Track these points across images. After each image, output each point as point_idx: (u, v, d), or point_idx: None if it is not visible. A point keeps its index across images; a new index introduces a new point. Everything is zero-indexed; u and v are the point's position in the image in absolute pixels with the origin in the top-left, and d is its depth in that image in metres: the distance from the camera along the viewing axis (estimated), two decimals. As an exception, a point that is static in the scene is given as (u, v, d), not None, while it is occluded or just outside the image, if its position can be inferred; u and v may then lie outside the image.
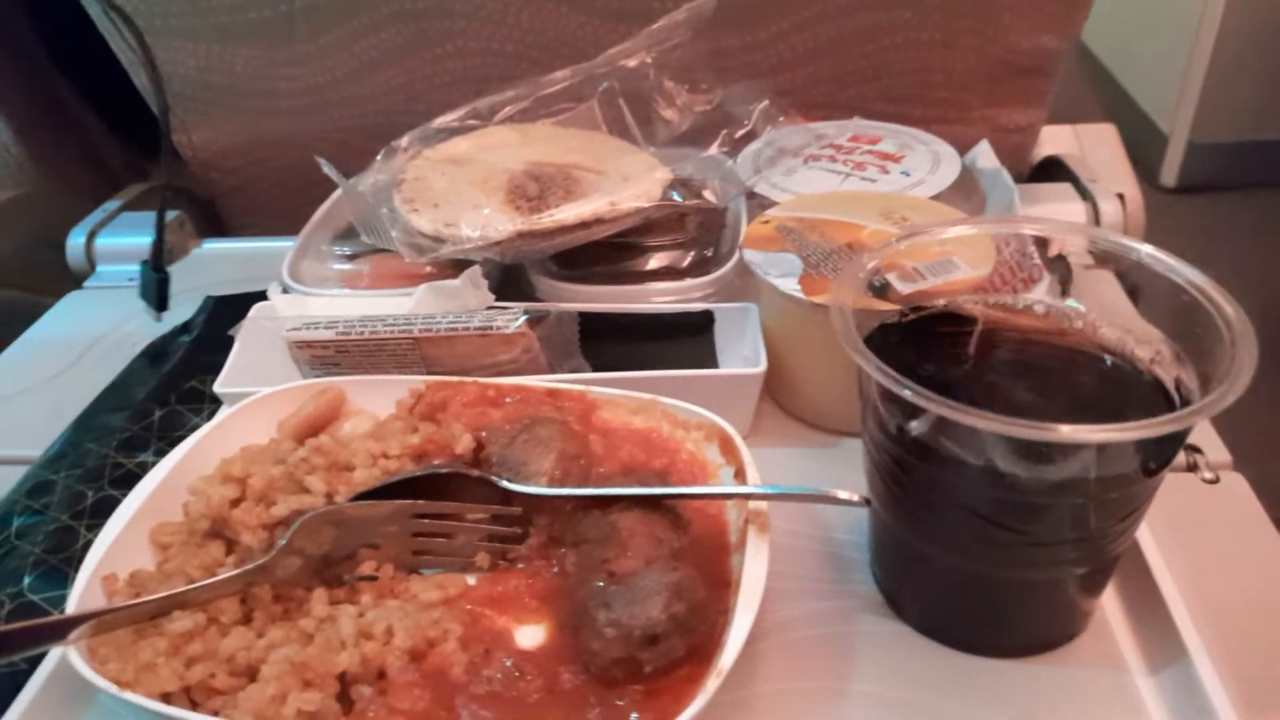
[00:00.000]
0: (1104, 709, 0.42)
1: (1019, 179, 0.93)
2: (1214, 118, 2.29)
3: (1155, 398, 0.42)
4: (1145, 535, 0.48)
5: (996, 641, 0.45)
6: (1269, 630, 0.45)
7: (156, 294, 0.73)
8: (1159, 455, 0.39)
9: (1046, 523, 0.40)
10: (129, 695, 0.40)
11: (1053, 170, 0.89)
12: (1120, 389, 0.44)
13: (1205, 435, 0.56)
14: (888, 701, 0.43)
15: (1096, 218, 0.79)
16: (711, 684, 0.38)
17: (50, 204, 0.98)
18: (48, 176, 0.99)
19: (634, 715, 0.41)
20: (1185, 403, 0.41)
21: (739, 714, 0.42)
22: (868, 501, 0.45)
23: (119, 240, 0.87)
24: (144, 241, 0.85)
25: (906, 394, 0.37)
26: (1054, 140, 0.93)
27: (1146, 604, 0.45)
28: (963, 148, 0.75)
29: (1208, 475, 0.54)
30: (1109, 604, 0.47)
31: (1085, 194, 0.81)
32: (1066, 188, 0.83)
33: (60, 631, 0.41)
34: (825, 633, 0.46)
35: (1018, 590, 0.43)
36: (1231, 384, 0.36)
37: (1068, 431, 0.35)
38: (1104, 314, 0.46)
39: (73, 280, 0.86)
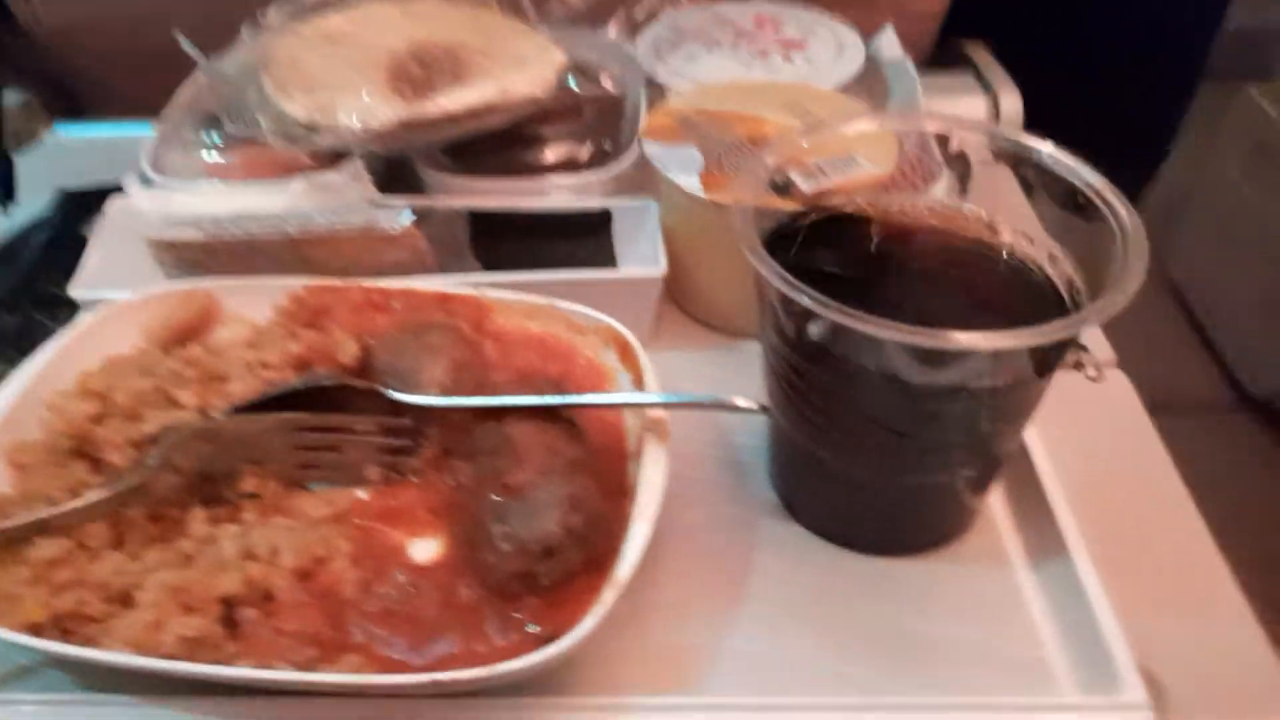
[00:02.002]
0: (989, 604, 0.44)
1: (923, 65, 0.92)
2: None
3: (1048, 300, 0.42)
4: (1031, 433, 0.49)
5: (888, 542, 0.46)
6: (1145, 527, 0.47)
7: (1, 184, 0.66)
8: (1051, 358, 0.40)
9: (940, 427, 0.40)
10: (-9, 629, 0.37)
11: (955, 58, 0.88)
12: (1015, 290, 0.44)
13: (1090, 333, 0.58)
14: (786, 602, 0.44)
15: (997, 110, 0.79)
16: (609, 596, 0.38)
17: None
18: None
19: (532, 627, 0.40)
20: (1076, 305, 0.41)
21: (637, 623, 0.42)
22: (765, 409, 0.44)
23: (-43, 123, 0.78)
24: (-17, 125, 0.77)
25: (804, 299, 0.36)
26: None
27: (1030, 501, 0.46)
28: (868, 31, 0.72)
29: (1091, 373, 0.56)
30: (995, 501, 0.48)
31: (987, 86, 0.80)
32: (969, 79, 0.82)
33: (-93, 564, 0.38)
34: (724, 538, 0.47)
35: (910, 494, 0.44)
36: (1123, 288, 0.36)
37: (962, 339, 0.35)
38: (1001, 214, 0.46)
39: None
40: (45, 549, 0.40)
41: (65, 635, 0.39)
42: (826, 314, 0.36)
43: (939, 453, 0.42)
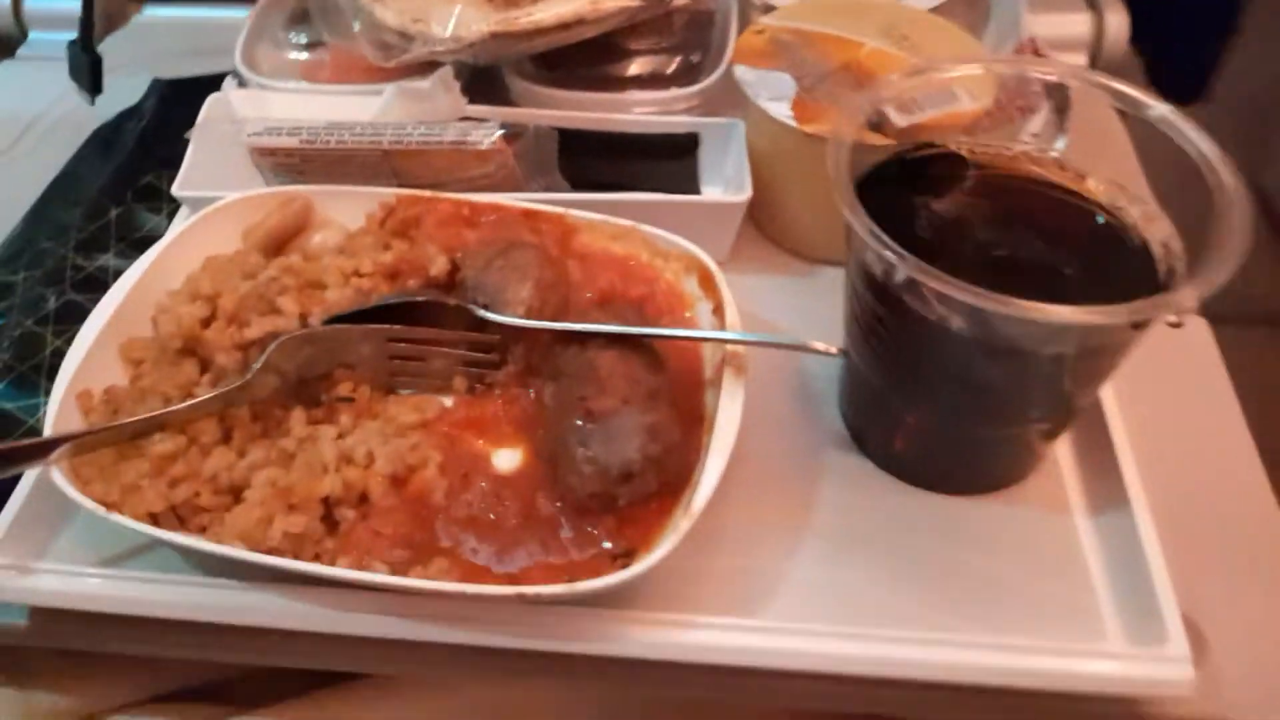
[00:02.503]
0: (1046, 548, 0.45)
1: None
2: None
3: (1141, 261, 0.41)
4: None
5: (954, 482, 0.47)
6: (1209, 484, 0.48)
7: (89, 76, 0.67)
8: (1139, 327, 0.40)
9: (1020, 385, 0.41)
10: (116, 517, 0.41)
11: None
12: (1108, 250, 0.43)
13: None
14: (848, 533, 0.46)
15: (1101, 29, 0.75)
16: (683, 524, 0.40)
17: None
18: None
19: (606, 544, 0.43)
20: (1170, 270, 0.40)
21: (707, 546, 0.44)
22: (844, 352, 0.45)
23: (52, 3, 0.79)
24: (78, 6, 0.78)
25: (889, 255, 0.37)
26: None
27: (1097, 451, 0.47)
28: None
29: (1172, 319, 0.55)
30: (1062, 447, 0.49)
31: (1092, 2, 0.76)
32: (1074, -7, 0.78)
33: (42, 452, 0.42)
34: (792, 466, 0.48)
35: (981, 442, 0.45)
36: (1224, 264, 0.36)
37: (1045, 312, 0.35)
38: (1098, 157, 0.45)
39: (4, 47, 0.80)
40: (162, 444, 0.44)
41: (181, 524, 0.43)
42: (909, 270, 0.36)
43: (1016, 408, 0.43)
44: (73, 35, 0.72)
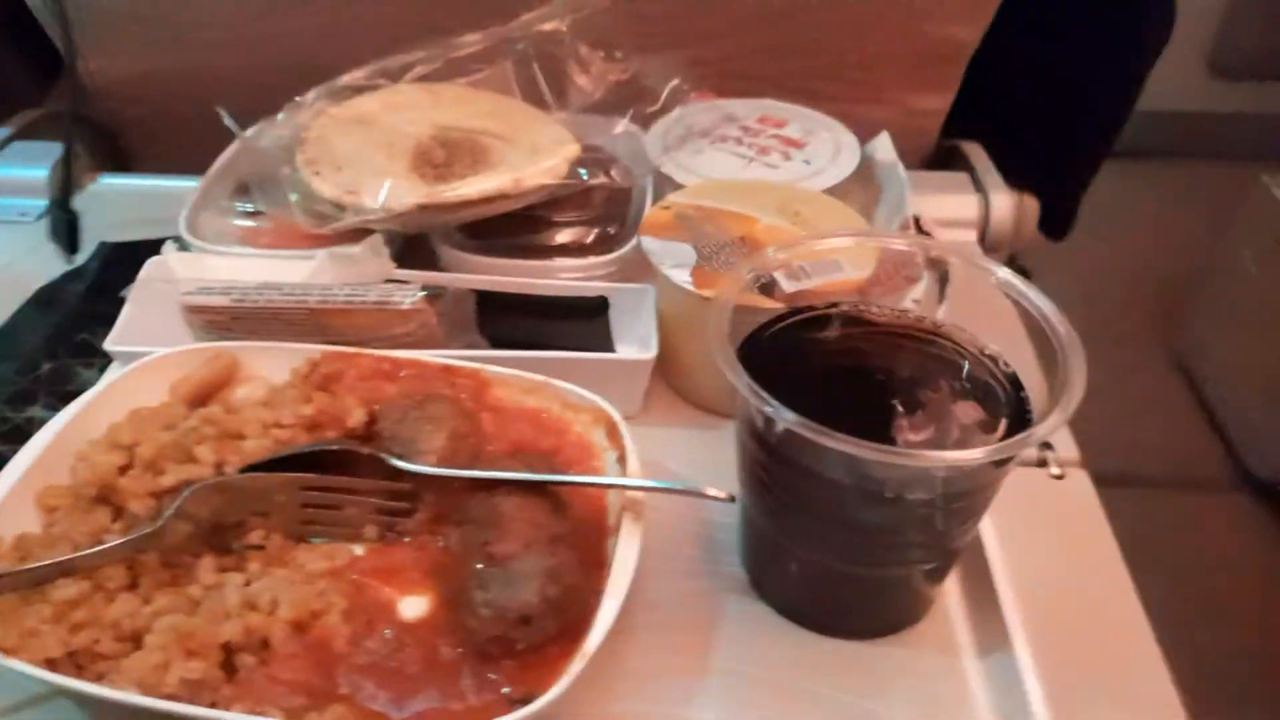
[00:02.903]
0: (937, 688, 0.47)
1: (924, 162, 0.97)
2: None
3: (1007, 405, 0.45)
4: (988, 528, 0.52)
5: (847, 625, 0.49)
6: (1089, 627, 0.50)
7: (66, 235, 0.70)
8: (1003, 466, 0.43)
9: (897, 526, 0.43)
10: (12, 662, 0.41)
11: (954, 157, 0.92)
12: (977, 397, 0.47)
13: (1057, 434, 0.61)
14: (746, 678, 0.47)
15: (987, 210, 0.83)
16: (575, 666, 0.41)
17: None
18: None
19: (505, 689, 0.43)
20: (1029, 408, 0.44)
21: (605, 690, 0.45)
22: (734, 498, 0.47)
23: (10, 171, 0.84)
24: (38, 174, 0.83)
25: (765, 407, 0.40)
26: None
27: (981, 594, 0.49)
28: (873, 125, 0.77)
29: (1055, 471, 0.59)
30: (951, 590, 0.51)
31: (979, 186, 0.84)
32: (963, 178, 0.86)
33: (-58, 597, 0.42)
34: (692, 612, 0.50)
35: (868, 583, 0.47)
36: (1064, 408, 0.40)
37: (919, 457, 0.38)
38: (976, 320, 0.49)
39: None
40: (66, 589, 0.44)
41: (79, 670, 0.43)
42: (782, 420, 0.39)
43: (897, 549, 0.45)
44: (24, 201, 0.76)
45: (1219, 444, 1.35)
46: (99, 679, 0.42)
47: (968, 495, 0.43)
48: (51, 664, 0.42)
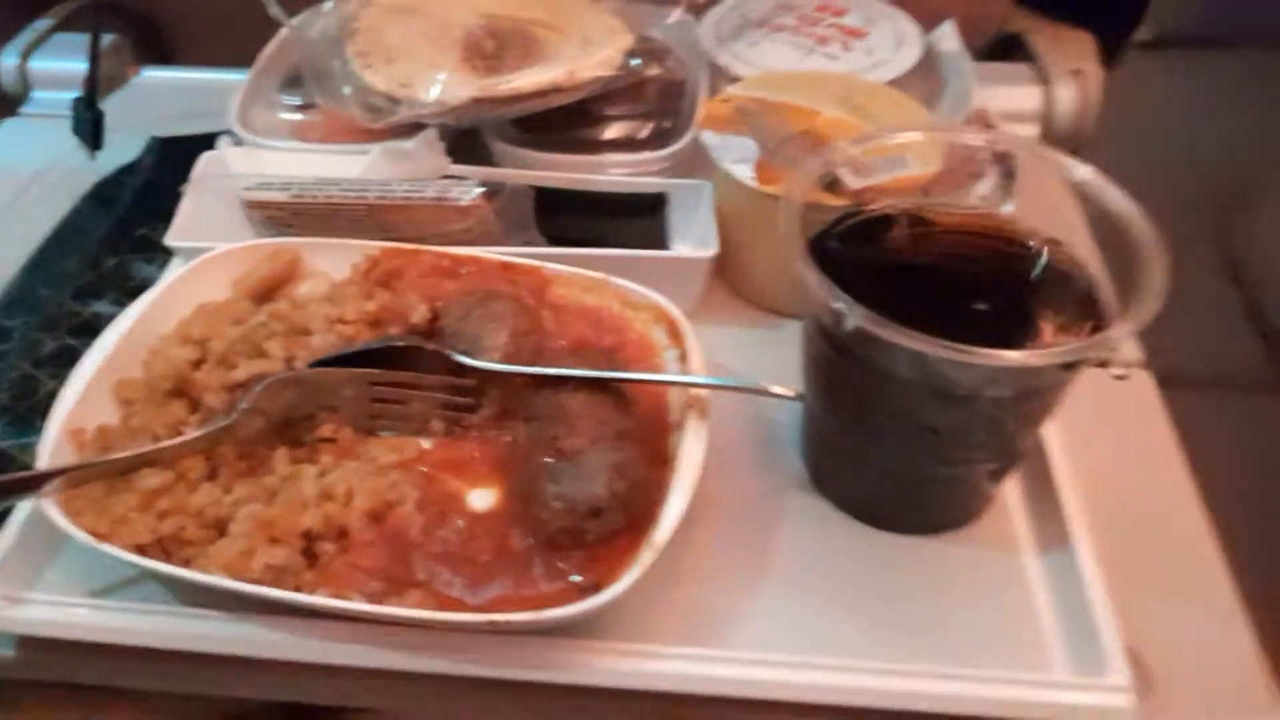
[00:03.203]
0: (995, 585, 0.47)
1: (981, 52, 0.93)
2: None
3: (1084, 309, 0.44)
4: (1050, 427, 0.52)
5: (908, 521, 0.49)
6: (1148, 525, 0.50)
7: (91, 132, 0.70)
8: (1075, 368, 0.43)
9: (965, 427, 0.43)
10: (106, 547, 0.43)
11: (1014, 47, 0.89)
12: (1048, 294, 0.46)
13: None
14: (807, 570, 0.48)
15: (1051, 103, 0.80)
16: (646, 556, 0.42)
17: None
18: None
19: (574, 577, 0.45)
20: (1103, 313, 0.44)
21: (671, 580, 0.46)
22: (801, 396, 0.48)
23: (55, 64, 0.83)
24: (79, 67, 0.81)
25: (837, 303, 0.39)
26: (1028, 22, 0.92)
27: (1043, 493, 0.50)
28: (932, 12, 0.74)
29: (1117, 371, 0.58)
30: (1010, 489, 0.51)
31: (1043, 77, 0.81)
32: (1025, 68, 0.83)
33: (35, 484, 0.44)
34: (755, 505, 0.51)
35: (931, 481, 0.48)
36: (1143, 309, 0.39)
37: (984, 355, 0.38)
38: (1043, 214, 0.48)
39: (6, 104, 0.83)
40: (150, 479, 0.46)
41: (167, 556, 0.44)
42: (855, 318, 0.39)
43: (962, 449, 0.45)
44: (74, 94, 0.75)
45: (1265, 346, 1.33)
46: (186, 564, 0.44)
47: (1038, 396, 0.43)
48: (141, 549, 0.44)
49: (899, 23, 0.71)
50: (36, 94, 0.83)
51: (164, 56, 0.96)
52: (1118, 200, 0.43)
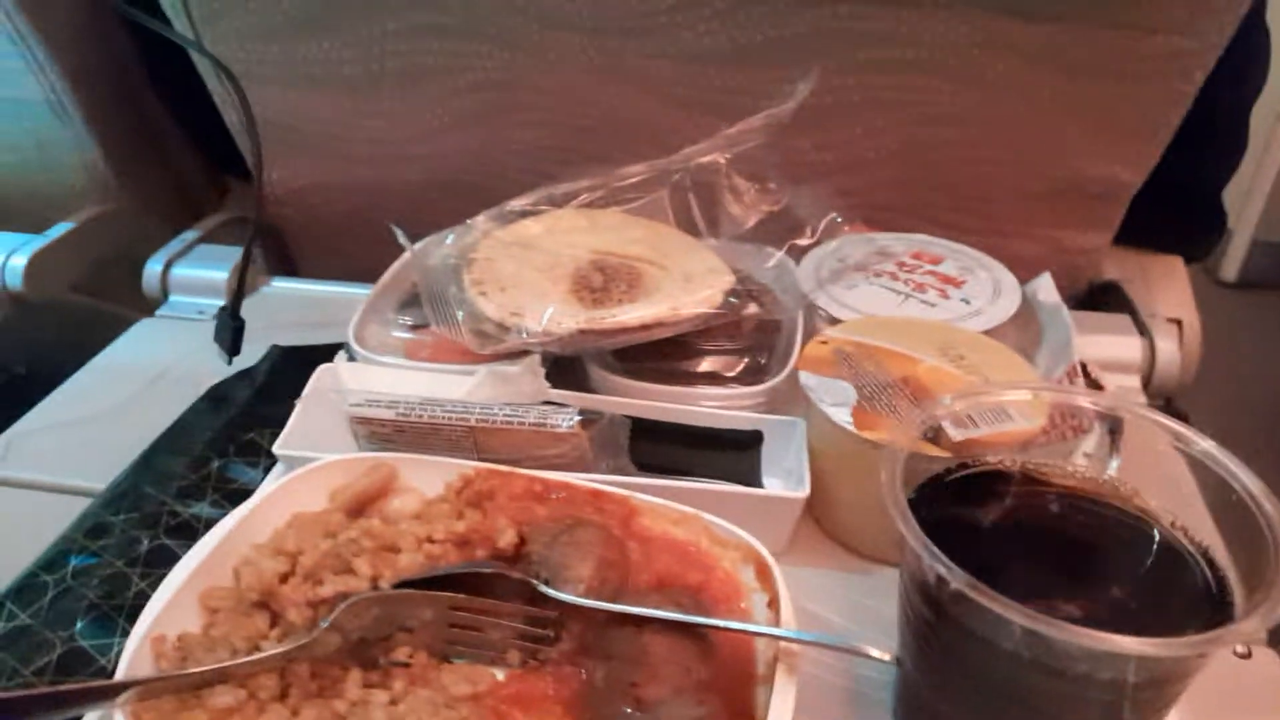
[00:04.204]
0: None
1: (1075, 299, 0.94)
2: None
3: (1200, 586, 0.42)
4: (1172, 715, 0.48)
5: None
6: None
7: (231, 340, 0.75)
8: (1201, 659, 0.40)
9: (1076, 710, 0.40)
10: (168, 768, 0.41)
11: (1109, 295, 0.89)
12: (1166, 571, 0.44)
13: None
14: None
15: (1153, 354, 0.79)
16: (727, 830, 0.39)
17: (133, 222, 1.02)
18: (132, 196, 1.03)
19: (646, 844, 0.41)
20: (1228, 597, 0.41)
21: None
22: (899, 660, 0.45)
23: (194, 272, 0.90)
24: (218, 275, 0.88)
25: (938, 566, 0.38)
26: (1117, 264, 0.93)
27: (1167, 789, 0.45)
28: (1024, 262, 0.75)
29: (1240, 649, 0.54)
30: (1129, 780, 0.47)
31: (1143, 328, 0.81)
32: (1124, 319, 0.83)
33: (110, 694, 0.43)
34: (843, 777, 0.47)
35: (1040, 766, 0.43)
36: (1276, 597, 0.36)
37: (1105, 640, 0.35)
38: (1151, 482, 0.46)
39: (147, 303, 0.90)
40: (223, 696, 0.45)
41: (226, 781, 0.43)
42: (959, 584, 0.37)
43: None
44: (205, 299, 0.81)
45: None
46: (245, 791, 0.42)
47: (1160, 685, 0.40)
48: (203, 773, 0.43)
49: (996, 272, 0.72)
50: (174, 298, 0.90)
51: (290, 269, 1.04)
52: (1241, 475, 0.41)
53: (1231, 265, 2.44)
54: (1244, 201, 2.33)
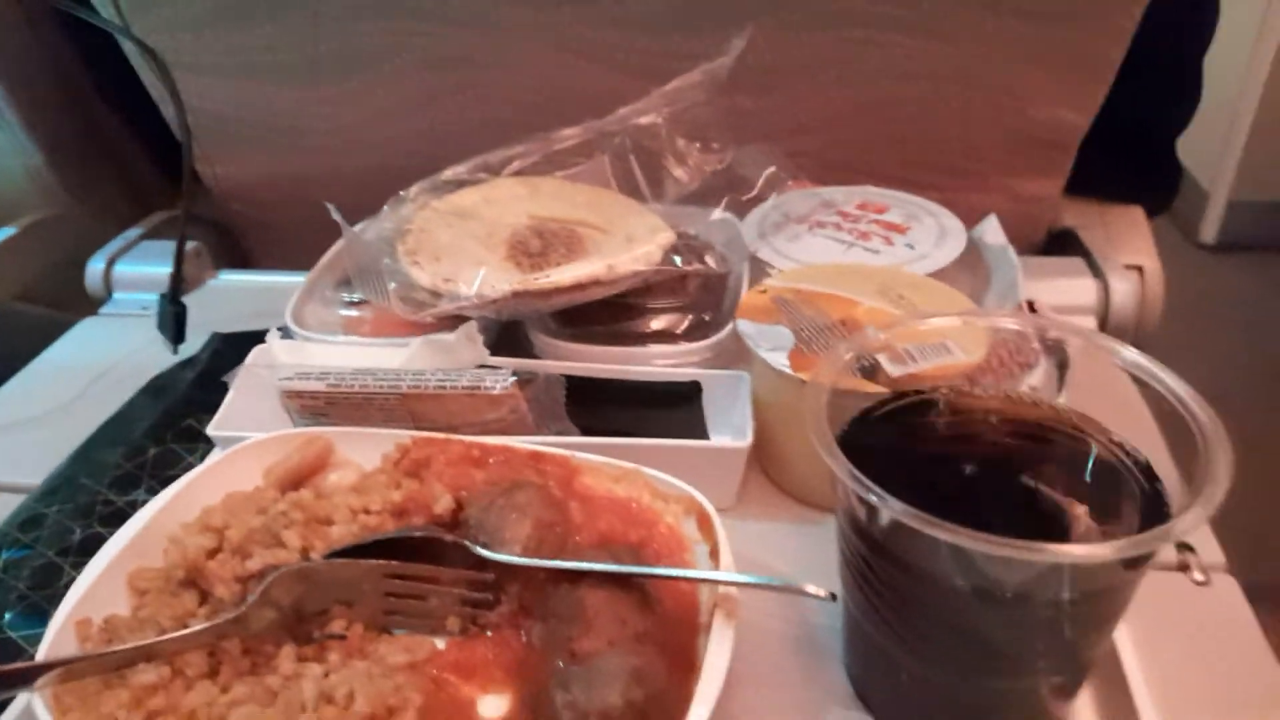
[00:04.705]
0: (1069, 822, 0.41)
1: (1033, 249, 0.93)
2: (1255, 176, 2.29)
3: (1148, 504, 0.40)
4: (1124, 637, 0.47)
5: (964, 745, 0.44)
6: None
7: (173, 327, 0.73)
8: (1139, 564, 0.38)
9: (1019, 633, 0.39)
10: (85, 749, 0.40)
11: (1067, 243, 0.88)
12: (1102, 486, 0.43)
13: (1199, 534, 0.55)
14: (849, 799, 0.42)
15: (1107, 296, 0.78)
16: (662, 777, 0.38)
17: (80, 226, 1.01)
18: (80, 200, 1.02)
19: (586, 799, 0.40)
20: (1162, 498, 0.40)
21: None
22: (834, 597, 0.44)
23: (137, 268, 0.89)
24: (162, 271, 0.86)
25: (871, 498, 0.37)
26: (1078, 215, 0.92)
27: (1119, 713, 0.44)
28: (979, 214, 0.74)
29: (1198, 577, 0.53)
30: (1084, 707, 0.46)
31: (1097, 270, 0.80)
32: (1078, 262, 0.82)
33: (27, 678, 0.42)
34: (792, 722, 0.46)
35: (990, 698, 0.42)
36: (1208, 499, 0.35)
37: (1040, 551, 0.34)
38: (1097, 404, 0.45)
39: (89, 304, 0.88)
40: (145, 674, 0.43)
41: (152, 758, 0.42)
42: (890, 511, 0.36)
43: (1019, 659, 0.41)
44: (148, 296, 0.80)
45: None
46: (171, 769, 0.41)
47: (1098, 598, 0.39)
48: (125, 752, 0.41)
49: (941, 218, 0.71)
50: (117, 296, 0.88)
51: (244, 263, 1.02)
52: (1170, 381, 0.40)
53: (1210, 227, 2.44)
54: (1219, 163, 2.32)
